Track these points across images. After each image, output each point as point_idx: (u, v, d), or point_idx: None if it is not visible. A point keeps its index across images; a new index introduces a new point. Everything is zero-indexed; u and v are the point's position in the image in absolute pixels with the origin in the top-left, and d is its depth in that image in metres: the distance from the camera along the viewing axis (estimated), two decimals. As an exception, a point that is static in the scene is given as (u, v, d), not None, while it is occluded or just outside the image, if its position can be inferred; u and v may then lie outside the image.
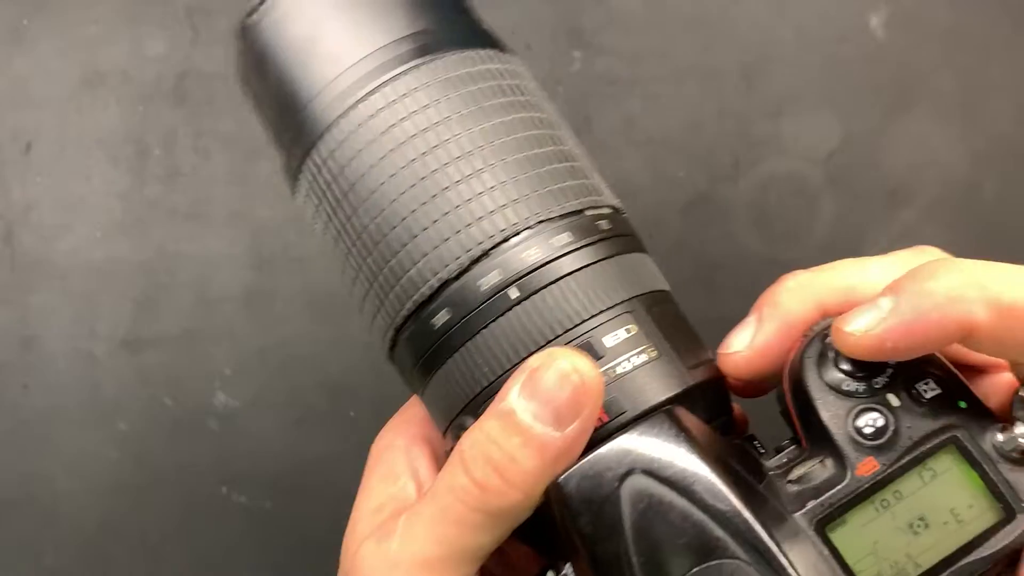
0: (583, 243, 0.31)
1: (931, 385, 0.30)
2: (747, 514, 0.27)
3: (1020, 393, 0.30)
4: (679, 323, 0.33)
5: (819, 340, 0.31)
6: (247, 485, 0.62)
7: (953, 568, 0.28)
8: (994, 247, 0.37)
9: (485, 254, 0.31)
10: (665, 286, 0.34)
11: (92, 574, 0.62)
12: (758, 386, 0.33)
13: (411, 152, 0.31)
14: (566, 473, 0.28)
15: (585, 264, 0.31)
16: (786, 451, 0.31)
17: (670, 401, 0.30)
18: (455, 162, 0.31)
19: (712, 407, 0.32)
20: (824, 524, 0.28)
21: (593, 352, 0.30)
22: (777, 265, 0.36)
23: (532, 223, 0.31)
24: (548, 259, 0.31)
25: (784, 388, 0.32)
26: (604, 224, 0.32)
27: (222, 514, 0.62)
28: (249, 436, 0.63)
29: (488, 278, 0.31)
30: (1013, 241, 0.62)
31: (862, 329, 0.29)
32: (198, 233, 0.63)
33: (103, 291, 0.62)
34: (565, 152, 0.33)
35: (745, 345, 0.32)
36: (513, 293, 0.30)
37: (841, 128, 0.64)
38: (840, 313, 0.30)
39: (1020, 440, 0.29)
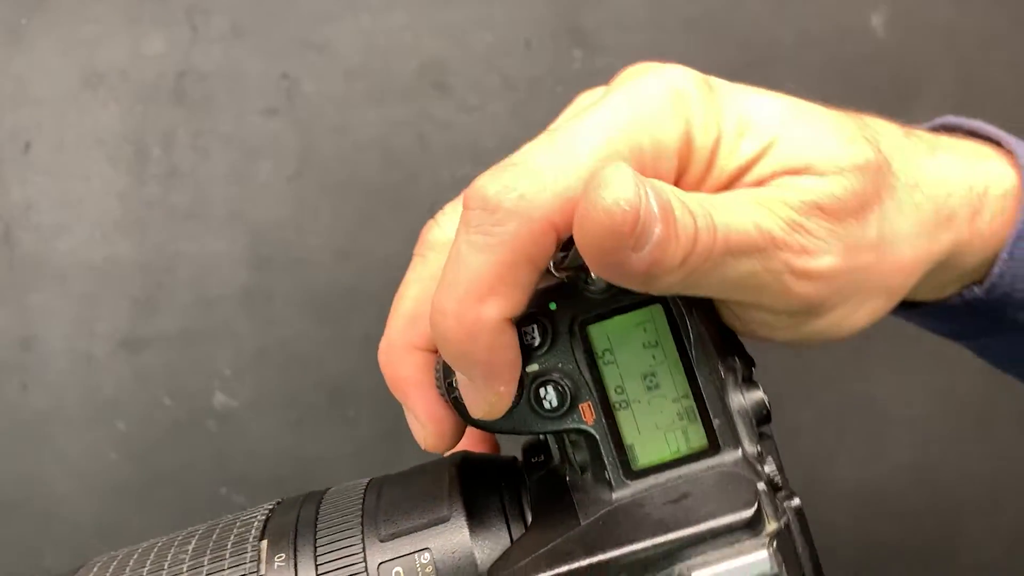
0: None
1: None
2: None
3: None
4: None
5: None
6: (247, 485, 0.62)
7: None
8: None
9: None
10: None
11: (92, 574, 0.62)
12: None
13: None
14: None
15: None
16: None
17: None
18: None
19: None
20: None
21: None
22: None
23: None
24: None
25: None
26: None
27: (222, 514, 0.62)
28: (249, 436, 0.63)
29: None
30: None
31: None
32: (197, 233, 0.63)
33: (103, 291, 0.62)
34: None
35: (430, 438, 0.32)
36: None
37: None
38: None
39: None
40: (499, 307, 0.28)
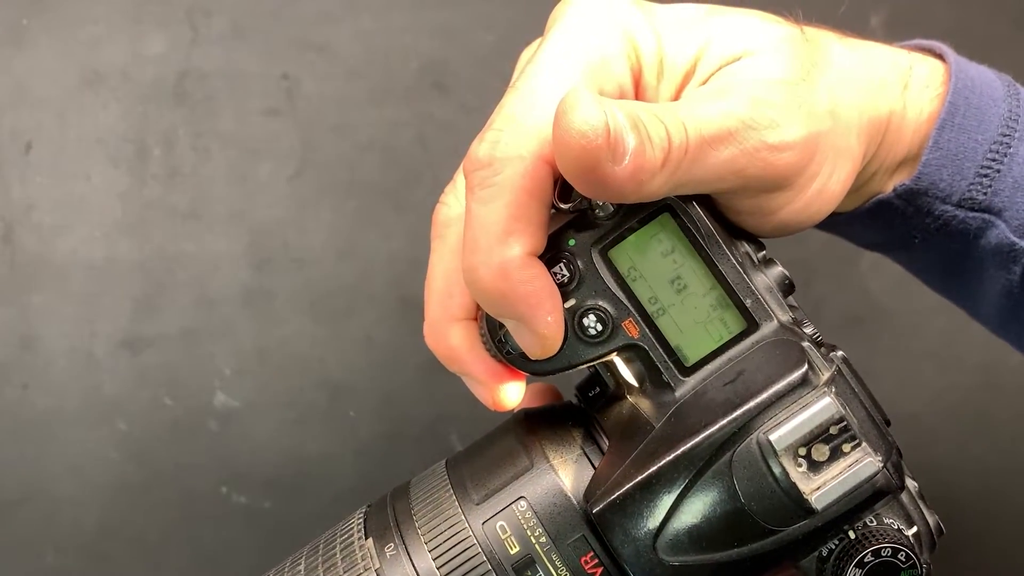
0: None
1: None
2: None
3: None
4: None
5: None
6: (247, 485, 0.62)
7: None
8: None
9: None
10: None
11: (92, 574, 0.62)
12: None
13: None
14: None
15: None
16: None
17: None
18: None
19: None
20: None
21: None
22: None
23: None
24: None
25: None
26: None
27: (222, 514, 0.62)
28: (249, 436, 0.63)
29: None
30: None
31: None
32: (198, 233, 0.63)
33: (103, 291, 0.62)
34: None
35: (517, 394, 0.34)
36: None
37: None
38: None
39: None
40: (520, 244, 0.30)
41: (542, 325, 0.31)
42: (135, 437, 0.62)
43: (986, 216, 0.36)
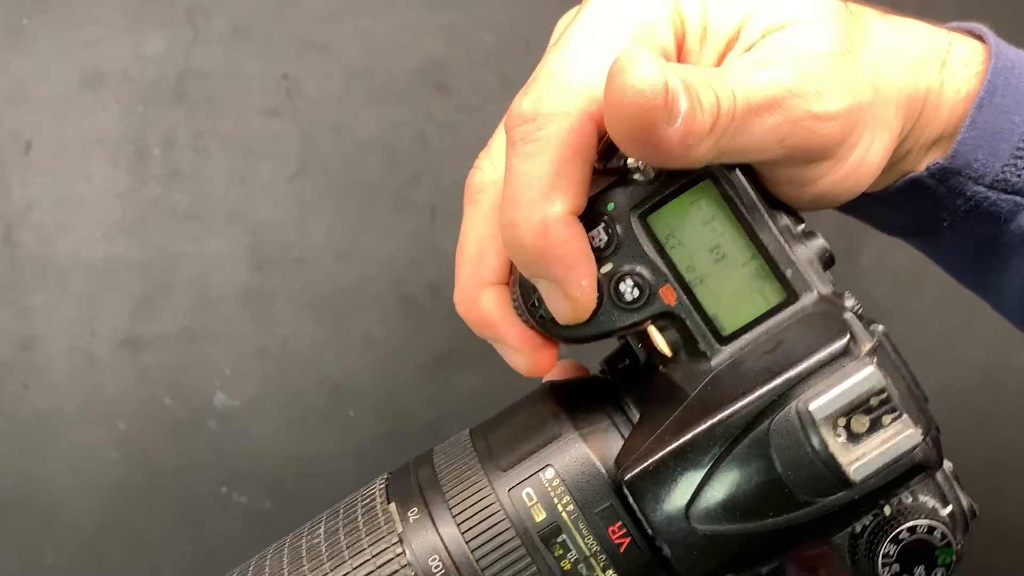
0: None
1: None
2: None
3: None
4: None
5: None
6: (247, 485, 0.62)
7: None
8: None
9: None
10: None
11: (92, 574, 0.62)
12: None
13: None
14: None
15: None
16: None
17: None
18: None
19: None
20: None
21: None
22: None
23: None
24: None
25: None
26: None
27: (222, 514, 0.62)
28: (249, 436, 0.63)
29: None
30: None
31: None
32: (198, 233, 0.63)
33: (103, 291, 0.62)
34: None
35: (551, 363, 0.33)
36: None
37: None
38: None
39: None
40: (563, 202, 0.29)
41: (575, 288, 0.30)
42: (135, 437, 0.62)
43: (1018, 199, 0.35)
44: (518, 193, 0.29)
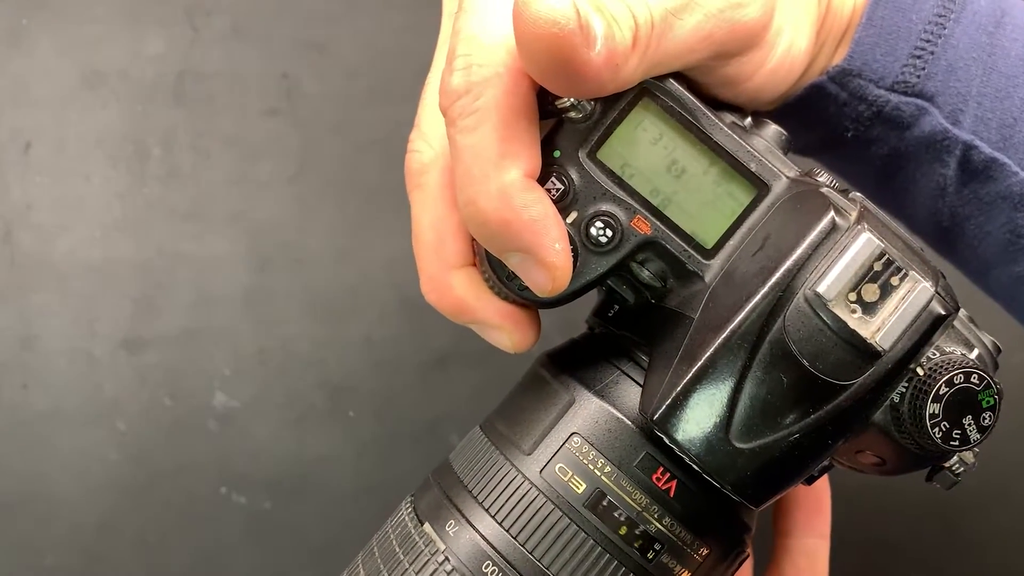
0: None
1: None
2: None
3: None
4: None
5: None
6: (247, 485, 0.62)
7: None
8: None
9: None
10: None
11: (92, 574, 0.62)
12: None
13: None
14: None
15: None
16: None
17: None
18: None
19: None
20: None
21: None
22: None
23: None
24: None
25: None
26: None
27: (222, 514, 0.62)
28: (249, 436, 0.63)
29: None
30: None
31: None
32: (198, 233, 0.63)
33: (103, 291, 0.62)
34: None
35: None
36: None
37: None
38: None
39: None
40: (517, 167, 0.28)
41: (550, 254, 0.29)
42: (135, 437, 0.62)
43: (919, 102, 0.35)
44: (469, 169, 0.28)
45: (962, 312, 0.31)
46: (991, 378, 0.29)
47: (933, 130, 0.35)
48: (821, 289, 0.27)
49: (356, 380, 0.63)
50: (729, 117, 0.32)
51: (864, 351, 0.27)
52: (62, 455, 0.62)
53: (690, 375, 0.28)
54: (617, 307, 0.34)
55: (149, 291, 0.62)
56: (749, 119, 0.33)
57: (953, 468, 0.31)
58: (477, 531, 0.31)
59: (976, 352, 0.30)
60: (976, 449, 0.31)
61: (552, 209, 0.29)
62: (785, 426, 0.28)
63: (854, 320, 0.27)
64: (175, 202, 0.63)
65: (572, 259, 0.30)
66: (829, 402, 0.28)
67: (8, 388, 0.62)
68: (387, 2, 0.64)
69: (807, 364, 0.28)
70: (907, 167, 0.36)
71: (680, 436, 0.29)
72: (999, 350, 0.32)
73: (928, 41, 0.34)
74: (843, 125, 0.36)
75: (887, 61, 0.34)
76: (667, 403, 0.29)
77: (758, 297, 0.28)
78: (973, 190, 0.35)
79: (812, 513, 0.40)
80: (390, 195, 0.64)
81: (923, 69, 0.34)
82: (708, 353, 0.28)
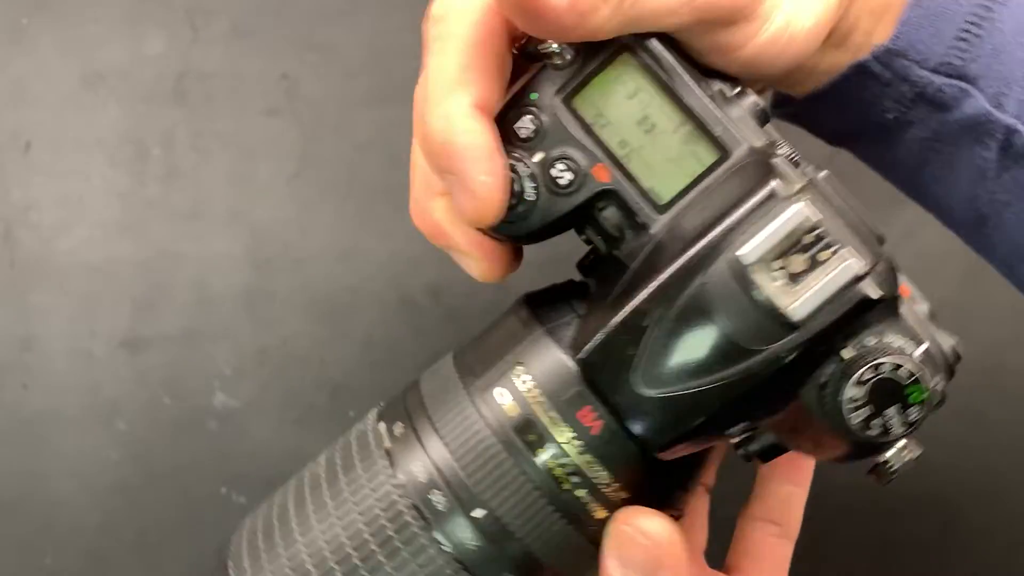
0: None
1: None
2: None
3: None
4: None
5: None
6: (247, 485, 0.62)
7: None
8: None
9: None
10: None
11: (92, 574, 0.62)
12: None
13: None
14: None
15: None
16: None
17: None
18: None
19: None
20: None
21: None
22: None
23: None
24: None
25: None
26: None
27: (222, 514, 0.62)
28: (249, 436, 0.63)
29: None
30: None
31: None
32: (198, 233, 0.63)
33: (103, 291, 0.62)
34: None
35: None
36: None
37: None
38: None
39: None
40: (469, 93, 0.30)
41: (476, 183, 0.30)
42: (135, 437, 0.62)
43: (962, 84, 0.34)
44: (427, 90, 0.30)
45: (923, 308, 0.31)
46: (923, 376, 0.29)
47: (975, 113, 0.34)
48: (742, 252, 0.28)
49: (356, 380, 0.63)
50: (717, 85, 0.33)
51: (777, 320, 0.28)
52: (62, 455, 0.62)
53: (612, 321, 0.30)
54: (592, 256, 0.35)
55: (149, 291, 0.62)
56: (738, 89, 0.33)
57: (888, 463, 0.31)
58: (421, 442, 0.33)
59: (922, 348, 0.30)
60: (912, 446, 0.31)
61: (491, 143, 0.30)
62: (694, 379, 0.29)
63: (773, 287, 0.28)
64: (175, 202, 0.63)
65: (506, 196, 0.31)
66: (736, 364, 0.29)
67: (8, 388, 0.62)
68: (387, 2, 0.64)
69: (721, 323, 0.28)
70: (946, 151, 0.36)
71: (600, 378, 0.31)
72: (959, 357, 0.32)
73: (974, 24, 0.34)
74: (884, 106, 0.36)
75: (932, 42, 0.34)
76: (588, 346, 0.30)
77: (688, 255, 0.29)
78: (1014, 176, 0.35)
79: (793, 462, 0.40)
80: (390, 195, 0.64)
81: (968, 52, 0.34)
82: (632, 303, 0.30)
